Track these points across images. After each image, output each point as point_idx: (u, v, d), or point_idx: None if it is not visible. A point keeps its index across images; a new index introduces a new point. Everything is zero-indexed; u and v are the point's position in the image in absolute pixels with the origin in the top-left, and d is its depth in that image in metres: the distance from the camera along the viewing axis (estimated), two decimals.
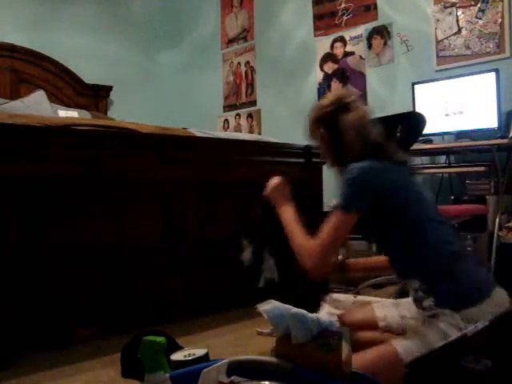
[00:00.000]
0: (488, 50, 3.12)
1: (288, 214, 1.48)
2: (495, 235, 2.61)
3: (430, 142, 3.08)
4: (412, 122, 2.17)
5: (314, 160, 2.62)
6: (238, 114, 4.79)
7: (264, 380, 0.95)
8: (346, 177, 1.34)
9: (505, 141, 2.64)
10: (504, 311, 1.20)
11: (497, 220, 2.64)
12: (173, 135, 2.30)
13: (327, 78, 4.03)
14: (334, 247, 1.37)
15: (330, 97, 1.52)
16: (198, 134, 2.41)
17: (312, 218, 1.43)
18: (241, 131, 4.69)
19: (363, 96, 3.77)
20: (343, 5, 3.92)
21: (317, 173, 2.66)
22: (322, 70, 4.08)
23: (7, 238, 1.75)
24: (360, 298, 2.22)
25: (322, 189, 2.75)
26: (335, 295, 2.28)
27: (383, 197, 1.32)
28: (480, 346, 1.08)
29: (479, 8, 3.16)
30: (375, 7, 3.72)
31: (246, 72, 4.73)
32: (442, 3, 3.34)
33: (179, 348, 1.41)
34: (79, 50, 4.44)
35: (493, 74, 2.85)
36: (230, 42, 4.87)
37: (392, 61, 3.62)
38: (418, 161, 3.29)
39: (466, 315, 1.20)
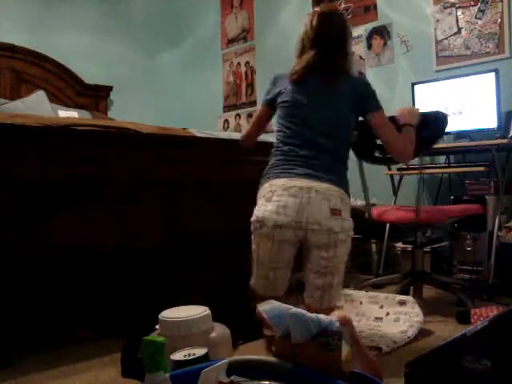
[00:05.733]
0: (488, 50, 3.12)
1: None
2: (495, 235, 2.61)
3: None
4: (436, 121, 2.14)
5: None
6: (238, 114, 4.78)
7: (264, 380, 0.96)
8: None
9: (504, 141, 2.64)
10: (504, 311, 1.20)
11: (496, 220, 2.64)
12: (173, 135, 2.29)
13: None
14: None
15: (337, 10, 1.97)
16: (198, 134, 2.41)
17: None
18: (241, 131, 4.69)
19: None
20: (343, 5, 3.92)
21: None
22: None
23: (7, 238, 1.75)
24: (371, 293, 2.25)
25: None
26: (347, 290, 2.29)
27: None
28: (480, 346, 1.08)
29: (479, 8, 3.16)
30: (375, 7, 3.72)
31: (245, 72, 4.73)
32: (442, 3, 3.34)
33: None
34: (79, 50, 4.44)
35: (492, 74, 2.84)
36: (230, 42, 4.87)
37: (392, 61, 3.62)
38: (417, 161, 3.28)
39: None
